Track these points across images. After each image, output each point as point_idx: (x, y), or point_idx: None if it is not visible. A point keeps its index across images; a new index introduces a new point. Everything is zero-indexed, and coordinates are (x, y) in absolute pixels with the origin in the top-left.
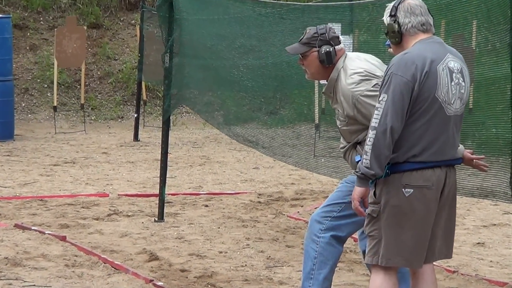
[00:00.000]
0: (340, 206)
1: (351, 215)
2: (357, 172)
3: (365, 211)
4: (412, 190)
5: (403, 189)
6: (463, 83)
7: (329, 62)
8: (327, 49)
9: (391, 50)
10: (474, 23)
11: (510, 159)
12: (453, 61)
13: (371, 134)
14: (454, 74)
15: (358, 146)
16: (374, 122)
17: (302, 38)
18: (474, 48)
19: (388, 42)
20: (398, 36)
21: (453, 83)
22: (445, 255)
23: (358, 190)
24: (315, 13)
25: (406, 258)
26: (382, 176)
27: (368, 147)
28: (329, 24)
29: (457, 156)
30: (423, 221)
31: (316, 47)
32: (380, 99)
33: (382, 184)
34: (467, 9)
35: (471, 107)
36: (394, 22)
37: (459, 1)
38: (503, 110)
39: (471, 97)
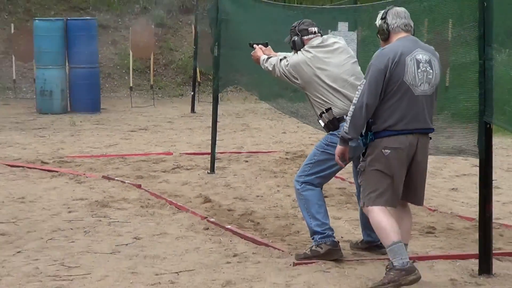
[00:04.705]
0: (310, 166)
1: (319, 171)
2: (339, 135)
3: (344, 164)
4: (389, 151)
5: (383, 150)
6: (430, 71)
7: (294, 49)
8: (294, 39)
9: None
10: (450, 21)
11: (477, 126)
12: (421, 54)
13: (351, 108)
14: (421, 64)
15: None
16: (354, 100)
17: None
18: (449, 40)
19: None
20: (386, 34)
21: (419, 70)
22: (419, 202)
23: (339, 148)
24: (330, 14)
25: (386, 199)
26: (363, 139)
27: (348, 118)
28: (339, 23)
29: (428, 126)
30: (397, 174)
31: (291, 36)
32: (361, 83)
33: (369, 148)
34: (444, 11)
35: (447, 85)
36: (384, 23)
37: (438, 4)
38: (472, 88)
39: (448, 78)
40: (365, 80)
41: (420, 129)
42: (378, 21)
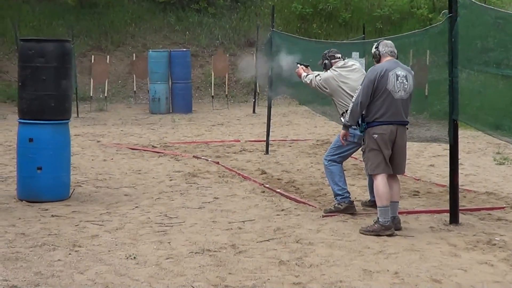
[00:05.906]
0: (334, 149)
1: (340, 153)
2: (342, 123)
3: (346, 143)
4: (377, 135)
5: (373, 135)
6: (406, 82)
7: (325, 68)
8: (325, 62)
9: None
10: (428, 51)
11: (447, 122)
12: (400, 71)
13: (351, 105)
14: (399, 78)
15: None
16: (354, 99)
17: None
18: (428, 64)
19: None
20: (378, 57)
21: (398, 82)
22: (402, 172)
23: (342, 132)
24: (347, 46)
25: (382, 168)
26: (361, 128)
27: (348, 111)
28: (352, 52)
29: (404, 120)
30: (384, 150)
31: (323, 60)
32: (358, 88)
33: (365, 135)
34: (424, 44)
35: (427, 95)
36: (377, 50)
37: (420, 40)
38: (444, 96)
39: (427, 90)
40: (360, 86)
41: (398, 121)
42: (373, 49)
